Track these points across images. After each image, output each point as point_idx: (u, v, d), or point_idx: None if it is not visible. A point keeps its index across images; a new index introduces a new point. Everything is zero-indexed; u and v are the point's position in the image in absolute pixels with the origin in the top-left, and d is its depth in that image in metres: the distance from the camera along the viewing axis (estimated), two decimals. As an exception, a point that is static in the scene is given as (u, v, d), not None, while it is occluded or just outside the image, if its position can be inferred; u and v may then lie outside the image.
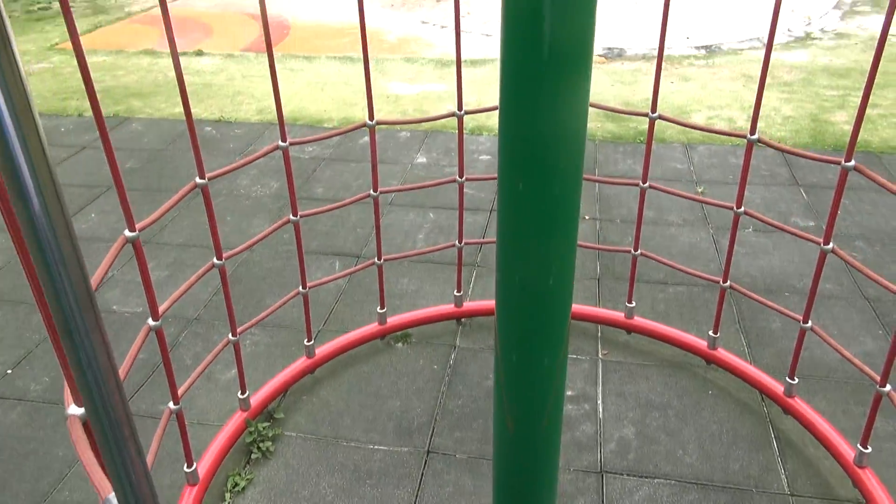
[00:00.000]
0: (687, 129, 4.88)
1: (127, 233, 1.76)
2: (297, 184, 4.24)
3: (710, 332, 2.70)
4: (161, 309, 1.93)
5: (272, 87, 2.23)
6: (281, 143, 2.34)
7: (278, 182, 4.29)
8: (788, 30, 7.29)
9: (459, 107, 2.60)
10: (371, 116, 2.46)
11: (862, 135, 4.68)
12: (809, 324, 2.36)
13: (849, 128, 4.79)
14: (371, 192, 2.62)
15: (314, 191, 4.21)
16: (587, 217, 3.83)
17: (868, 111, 5.06)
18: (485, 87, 5.80)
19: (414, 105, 5.51)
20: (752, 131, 2.35)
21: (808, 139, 4.67)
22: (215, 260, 2.21)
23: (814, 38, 6.88)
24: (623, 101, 5.40)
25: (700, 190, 4.08)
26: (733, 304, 3.11)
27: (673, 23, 7.81)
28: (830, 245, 2.21)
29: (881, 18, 7.42)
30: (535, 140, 0.93)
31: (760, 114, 5.06)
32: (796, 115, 5.02)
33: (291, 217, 2.48)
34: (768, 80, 5.66)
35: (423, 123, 5.11)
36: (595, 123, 5.01)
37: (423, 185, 2.93)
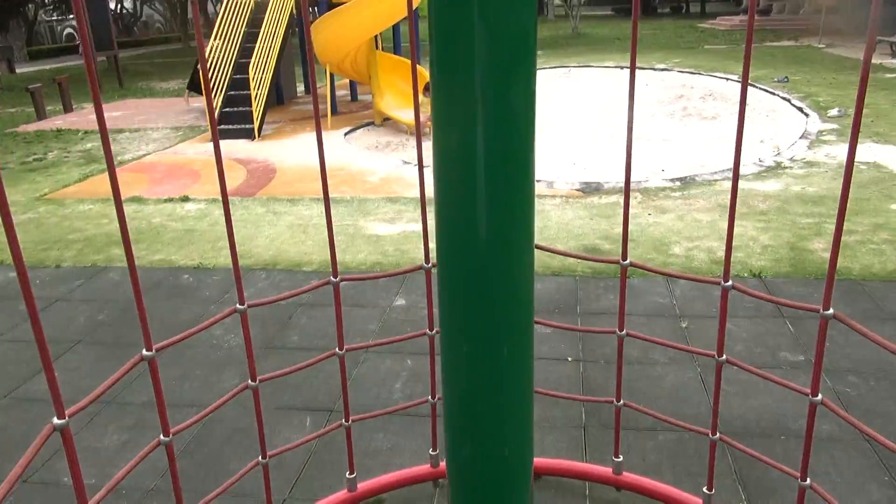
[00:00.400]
0: (668, 259, 4.86)
1: (56, 420, 1.62)
2: (271, 332, 4.13)
3: (705, 489, 2.50)
4: (107, 487, 1.75)
5: (229, 248, 2.16)
6: (239, 307, 2.24)
7: (253, 329, 4.17)
8: (759, 159, 7.51)
9: (426, 258, 2.53)
10: (335, 273, 2.39)
11: (842, 262, 4.66)
12: (808, 481, 2.18)
13: (828, 255, 4.77)
14: (336, 350, 2.50)
15: (289, 339, 4.08)
16: (569, 359, 3.70)
17: (845, 238, 5.08)
18: (465, 225, 5.84)
19: (394, 245, 5.52)
20: (726, 277, 2.28)
21: (789, 268, 4.64)
22: (161, 437, 2.05)
23: (785, 168, 7.07)
24: (602, 235, 5.42)
25: (684, 325, 3.98)
26: (728, 451, 2.92)
27: (648, 157, 8.09)
28: (819, 397, 2.08)
29: (847, 147, 7.68)
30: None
31: (739, 244, 5.08)
32: (775, 244, 5.02)
33: (250, 382, 2.34)
34: (744, 209, 5.74)
35: (402, 265, 5.09)
36: (575, 259, 4.99)
37: (392, 340, 2.82)
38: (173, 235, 6.06)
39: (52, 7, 36.92)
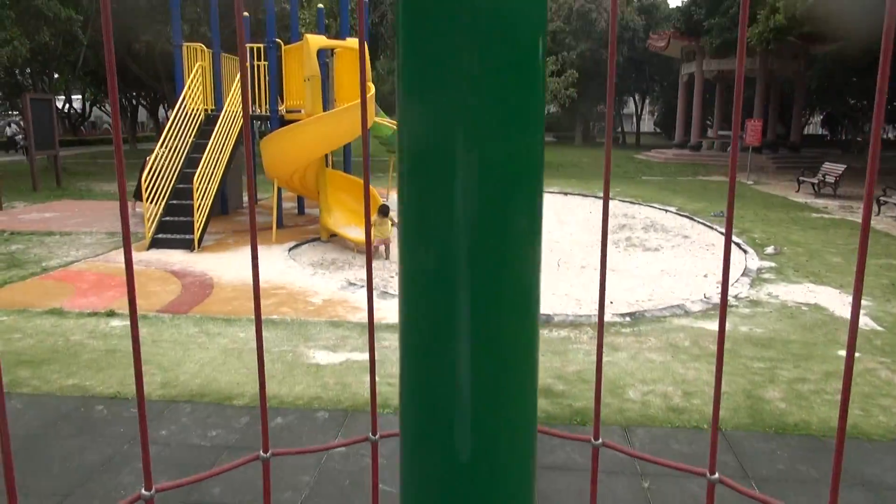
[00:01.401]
0: (624, 405, 4.64)
1: None
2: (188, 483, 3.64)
3: None
4: None
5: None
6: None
7: (168, 475, 3.68)
8: (705, 296, 7.56)
9: (374, 430, 2.22)
10: (265, 448, 2.04)
11: (799, 414, 4.53)
12: None
13: (784, 405, 4.66)
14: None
15: (210, 491, 3.60)
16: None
17: (798, 387, 4.99)
18: (411, 357, 5.54)
19: (336, 377, 5.15)
20: (712, 469, 2.04)
21: (747, 419, 4.47)
22: None
23: (730, 306, 7.10)
24: (555, 374, 5.19)
25: (646, 485, 3.70)
26: None
27: (595, 288, 8.01)
28: None
29: (787, 287, 7.84)
30: None
31: (695, 389, 4.92)
32: (730, 391, 4.88)
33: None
34: (696, 350, 5.64)
35: (343, 401, 4.71)
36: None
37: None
38: (92, 356, 5.54)
39: (-5, 102, 36.40)
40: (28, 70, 24.41)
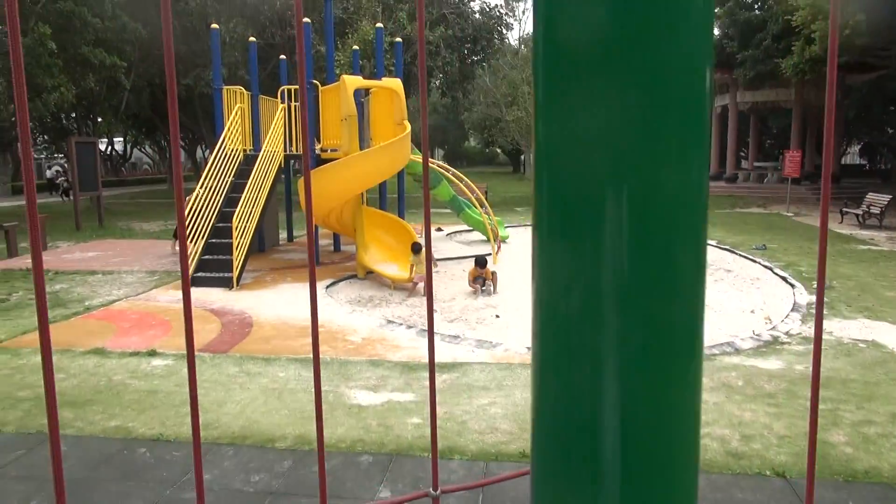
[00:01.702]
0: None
1: None
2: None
3: None
4: None
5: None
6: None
7: (213, 526, 3.59)
8: (755, 332, 7.30)
9: (434, 484, 2.10)
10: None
11: (868, 460, 4.27)
12: None
13: (851, 450, 4.40)
14: None
15: (255, 540, 3.50)
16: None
17: (864, 430, 4.73)
18: (454, 397, 5.41)
19: (378, 418, 5.03)
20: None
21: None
22: None
23: (783, 343, 6.84)
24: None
25: (710, 537, 3.49)
26: None
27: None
28: None
29: (840, 323, 7.54)
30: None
31: (753, 432, 4.69)
32: (791, 435, 4.65)
33: None
34: (752, 391, 5.41)
35: (386, 444, 4.59)
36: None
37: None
38: (134, 397, 5.52)
39: (42, 147, 37.72)
40: (73, 115, 25.26)
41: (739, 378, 5.74)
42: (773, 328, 7.39)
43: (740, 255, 12.52)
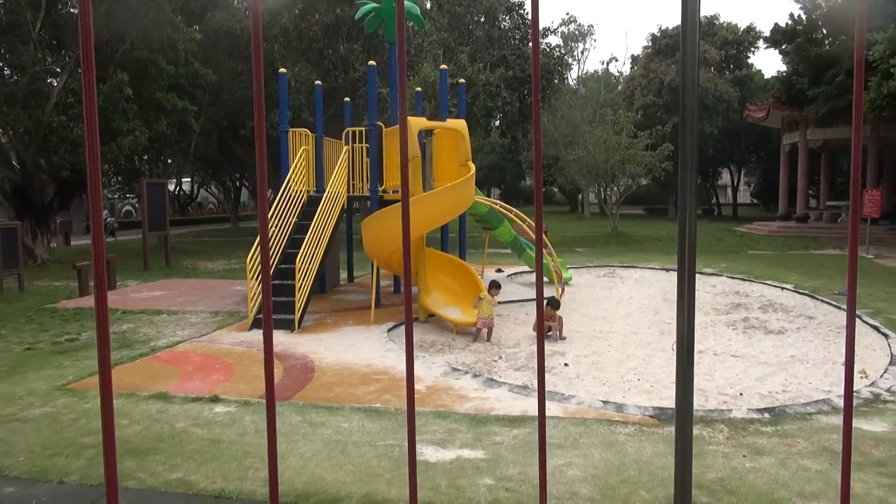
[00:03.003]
0: (782, 526, 3.97)
1: None
2: None
3: None
4: None
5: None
6: None
7: None
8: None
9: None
10: None
11: None
12: None
13: None
14: None
15: None
16: None
17: None
18: (527, 455, 5.06)
19: (447, 478, 4.73)
20: None
21: (943, 549, 3.71)
22: None
23: (886, 402, 6.25)
24: (695, 482, 4.57)
25: None
26: None
27: (720, 376, 7.31)
28: None
29: (948, 378, 6.87)
30: None
31: (867, 508, 4.19)
32: (912, 512, 4.12)
33: None
34: (857, 457, 4.88)
35: (459, 508, 4.27)
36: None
37: None
38: (196, 446, 5.37)
39: (116, 187, 39.32)
40: (146, 156, 26.26)
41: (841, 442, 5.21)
42: (873, 384, 6.79)
43: (822, 301, 11.79)
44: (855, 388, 6.69)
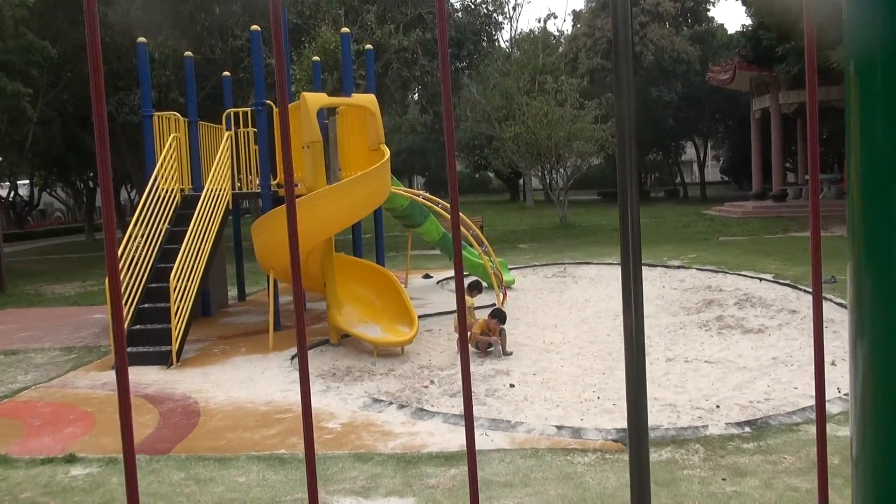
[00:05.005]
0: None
1: None
2: None
3: None
4: None
5: None
6: None
7: None
8: (839, 390, 7.07)
9: None
10: None
11: None
12: None
13: None
14: None
15: None
16: None
17: None
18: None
19: (371, 535, 4.70)
20: None
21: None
22: None
23: (880, 404, 6.60)
24: (666, 515, 4.70)
25: None
26: None
27: (693, 387, 7.55)
28: None
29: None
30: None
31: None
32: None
33: None
34: (837, 461, 5.12)
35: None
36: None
37: None
38: (48, 521, 5.15)
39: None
40: (-35, 155, 25.07)
41: (835, 455, 5.46)
42: (864, 385, 7.15)
43: (806, 291, 12.37)
44: (844, 392, 7.03)
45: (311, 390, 7.70)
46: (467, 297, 10.57)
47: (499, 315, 9.83)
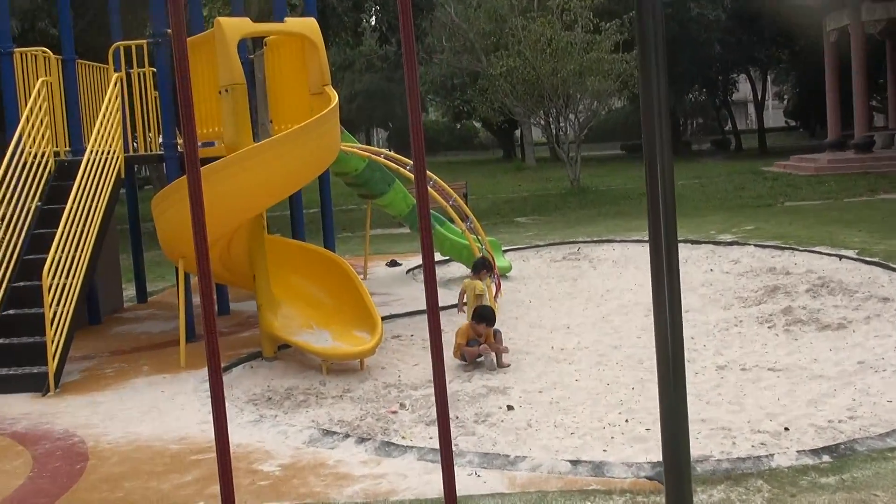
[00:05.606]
0: None
1: None
2: None
3: None
4: None
5: None
6: None
7: None
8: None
9: None
10: None
11: None
12: None
13: None
14: None
15: None
16: None
17: None
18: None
19: None
20: None
21: None
22: None
23: None
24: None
25: None
26: None
27: (752, 403, 7.63)
28: None
29: None
30: None
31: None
32: None
33: None
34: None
35: None
36: None
37: None
38: None
39: None
40: None
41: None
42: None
43: (900, 273, 12.50)
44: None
45: (240, 421, 7.76)
46: (475, 281, 10.60)
47: (484, 317, 9.81)
